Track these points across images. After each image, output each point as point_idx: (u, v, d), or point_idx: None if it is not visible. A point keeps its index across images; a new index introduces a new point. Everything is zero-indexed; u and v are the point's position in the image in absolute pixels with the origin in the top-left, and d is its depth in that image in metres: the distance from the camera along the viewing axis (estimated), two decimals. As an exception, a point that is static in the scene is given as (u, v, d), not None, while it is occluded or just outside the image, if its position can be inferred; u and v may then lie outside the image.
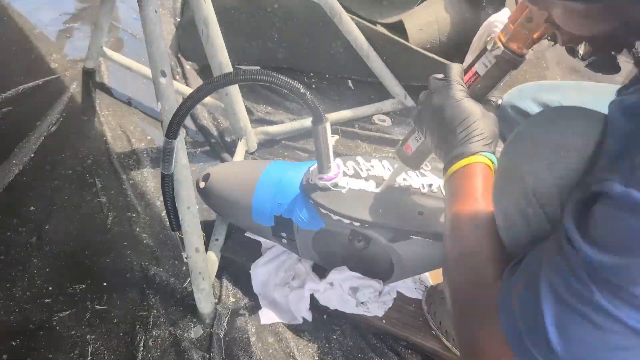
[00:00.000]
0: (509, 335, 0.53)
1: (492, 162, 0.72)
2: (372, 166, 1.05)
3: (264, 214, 1.08)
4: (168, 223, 1.09)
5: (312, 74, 1.71)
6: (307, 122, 1.52)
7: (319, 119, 0.92)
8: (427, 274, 1.13)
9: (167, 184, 1.05)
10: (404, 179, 1.02)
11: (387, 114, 1.59)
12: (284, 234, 1.08)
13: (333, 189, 1.00)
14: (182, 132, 1.03)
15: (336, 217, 0.99)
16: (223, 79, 0.91)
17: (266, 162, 1.15)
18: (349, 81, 1.70)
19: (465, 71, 0.81)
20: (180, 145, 1.04)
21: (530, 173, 0.57)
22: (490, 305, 0.56)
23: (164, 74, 1.03)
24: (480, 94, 0.79)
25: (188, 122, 1.58)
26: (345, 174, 1.03)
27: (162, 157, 1.01)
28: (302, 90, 0.88)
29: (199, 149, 1.49)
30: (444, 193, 0.76)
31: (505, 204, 0.61)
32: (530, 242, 0.59)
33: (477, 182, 0.70)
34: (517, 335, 0.52)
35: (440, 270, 1.13)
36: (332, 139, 1.45)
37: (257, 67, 1.76)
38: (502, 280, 0.57)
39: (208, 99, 1.49)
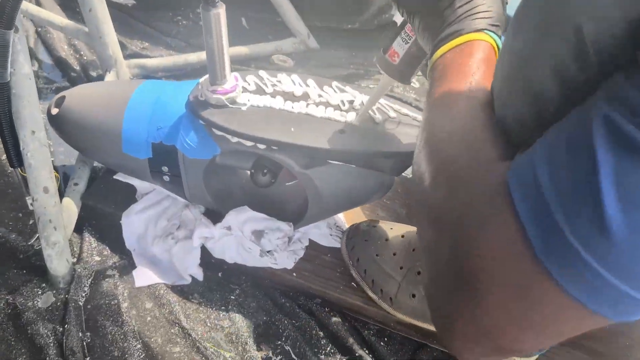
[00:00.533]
0: (529, 220, 0.34)
1: (498, 47, 0.54)
2: (279, 81, 0.84)
3: (138, 143, 0.83)
4: (6, 158, 0.81)
5: (198, 11, 1.46)
6: (192, 57, 1.27)
7: (210, 2, 0.70)
8: (343, 219, 0.94)
9: (1, 98, 0.77)
10: (319, 95, 0.82)
11: (288, 54, 1.39)
12: (165, 169, 0.84)
13: (230, 105, 0.78)
14: (21, 30, 0.76)
15: (235, 139, 0.77)
16: None
17: (140, 81, 0.90)
18: (243, 18, 1.47)
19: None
20: (19, 45, 0.77)
21: (587, 13, 0.37)
22: (495, 187, 0.38)
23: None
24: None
25: (42, 54, 1.27)
26: (245, 89, 0.81)
27: (-8, 58, 0.74)
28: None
29: (56, 85, 1.19)
30: (428, 80, 0.57)
31: (532, 68, 0.41)
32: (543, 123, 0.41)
33: (477, 61, 0.51)
34: (544, 217, 0.33)
35: (357, 212, 0.95)
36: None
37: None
38: (516, 157, 0.38)
39: (67, 22, 1.20)
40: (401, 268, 0.82)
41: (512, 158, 0.39)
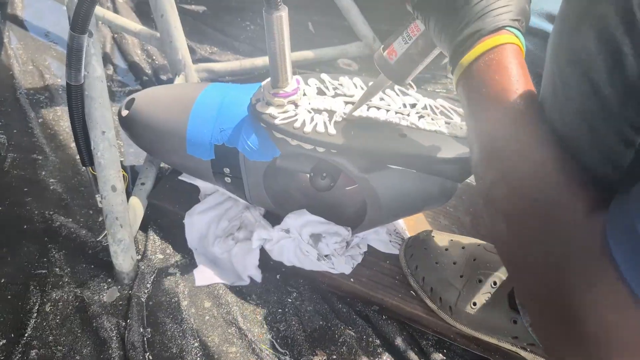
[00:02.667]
0: (632, 274, 0.33)
1: (523, 45, 0.51)
2: (341, 84, 0.83)
3: (201, 145, 0.85)
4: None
5: (266, 16, 1.48)
6: (258, 61, 1.29)
7: (273, 4, 0.70)
8: (404, 225, 0.92)
9: (75, 99, 0.81)
10: (381, 99, 0.81)
11: (353, 58, 1.38)
12: (227, 170, 0.85)
13: (291, 109, 0.78)
14: (95, 35, 0.79)
15: (295, 142, 0.77)
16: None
17: (206, 84, 0.91)
18: (309, 23, 1.48)
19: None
20: (93, 49, 0.80)
21: None
22: (590, 248, 0.36)
23: (70, -46, 0.79)
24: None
25: (117, 59, 1.32)
26: (306, 94, 0.81)
27: (68, 61, 0.77)
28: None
29: (129, 88, 1.24)
30: (459, 95, 0.55)
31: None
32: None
33: (514, 75, 0.48)
34: None
35: (419, 219, 0.93)
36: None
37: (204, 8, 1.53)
38: (612, 206, 0.36)
39: (140, 28, 1.24)
40: (461, 277, 0.79)
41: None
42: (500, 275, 0.77)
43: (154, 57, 1.32)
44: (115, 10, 1.44)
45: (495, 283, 0.77)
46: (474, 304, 0.77)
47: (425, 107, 0.79)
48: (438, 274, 0.80)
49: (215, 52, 1.37)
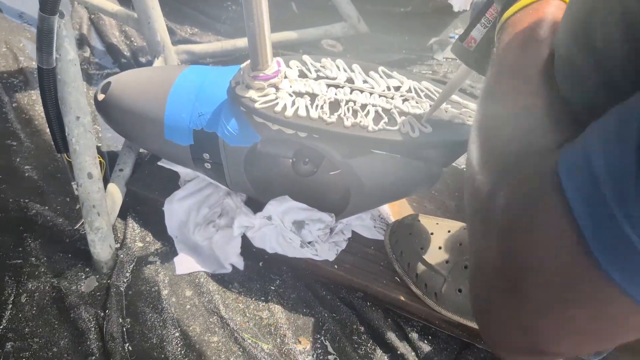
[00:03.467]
0: (583, 214, 0.30)
1: None
2: (323, 66, 0.81)
3: (180, 129, 0.82)
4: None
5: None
6: (240, 42, 1.26)
7: (252, -17, 0.67)
8: (388, 211, 0.91)
9: (47, 84, 0.78)
10: (364, 81, 0.79)
11: (337, 39, 1.35)
12: (206, 155, 0.83)
13: (272, 91, 0.76)
14: (67, 16, 0.76)
15: (276, 127, 0.75)
16: None
17: (184, 67, 0.88)
18: (293, 3, 1.45)
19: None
20: (65, 31, 0.77)
21: None
22: (546, 176, 0.34)
23: None
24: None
25: (94, 40, 1.28)
26: (287, 76, 0.79)
27: (38, 43, 0.74)
28: None
29: (106, 71, 1.20)
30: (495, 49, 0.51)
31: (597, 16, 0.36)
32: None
33: (546, 24, 0.45)
34: (599, 210, 0.29)
35: (404, 204, 0.91)
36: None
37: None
38: (570, 143, 0.34)
39: (118, 9, 1.20)
40: (447, 262, 0.78)
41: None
42: None
43: (133, 39, 1.28)
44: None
45: None
46: (460, 290, 0.76)
47: (409, 90, 0.77)
48: (423, 260, 0.79)
49: (196, 33, 1.33)
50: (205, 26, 1.36)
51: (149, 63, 1.20)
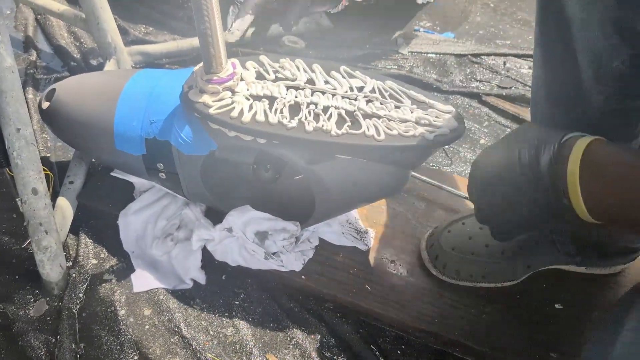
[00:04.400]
0: None
1: None
2: (282, 67, 0.76)
3: (131, 139, 0.77)
4: None
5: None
6: (197, 41, 1.20)
7: (200, -19, 0.62)
8: (357, 215, 0.87)
9: (-18, 94, 0.72)
10: (326, 82, 0.74)
11: (299, 35, 1.31)
12: (160, 166, 0.78)
13: (227, 96, 0.71)
14: (2, 21, 0.70)
15: (232, 134, 0.71)
16: None
17: (134, 71, 0.83)
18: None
19: None
20: (1, 35, 0.71)
21: None
22: None
23: None
24: None
25: (41, 43, 1.21)
26: (243, 78, 0.74)
27: (-32, 51, 0.68)
28: None
29: (55, 75, 1.14)
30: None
31: None
32: None
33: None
34: None
35: (372, 207, 0.88)
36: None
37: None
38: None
39: (65, 8, 1.14)
40: (502, 253, 0.80)
41: None
42: None
43: (83, 40, 1.22)
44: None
45: None
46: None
47: (373, 90, 0.73)
48: (479, 265, 0.80)
49: (151, 32, 1.28)
50: (160, 24, 1.30)
51: (101, 66, 1.14)
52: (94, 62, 1.17)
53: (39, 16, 1.25)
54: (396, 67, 1.28)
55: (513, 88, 1.25)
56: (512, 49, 1.38)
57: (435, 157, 1.08)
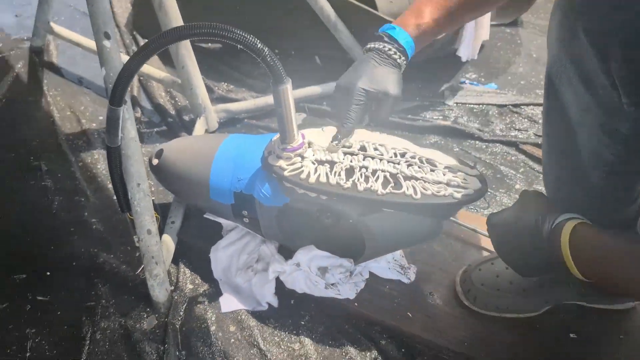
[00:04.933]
0: None
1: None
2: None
3: (222, 191, 0.99)
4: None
5: (276, 51, 1.61)
6: (271, 99, 1.42)
7: (279, 79, 0.83)
8: (401, 253, 1.05)
9: (114, 159, 0.94)
10: (375, 148, 0.93)
11: (356, 90, 1.50)
12: (245, 212, 0.99)
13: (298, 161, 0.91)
14: (128, 101, 0.93)
15: (301, 191, 0.90)
16: (170, 34, 0.81)
17: (224, 136, 1.05)
18: (317, 57, 1.61)
19: None
20: (127, 114, 0.94)
21: None
22: None
23: (107, 36, 0.93)
24: None
25: (144, 101, 1.47)
26: (310, 145, 0.94)
27: (107, 128, 0.91)
28: (259, 45, 0.79)
29: (155, 129, 1.39)
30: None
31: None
32: None
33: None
34: None
35: (416, 249, 1.05)
36: (299, 116, 1.36)
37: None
38: None
39: (164, 75, 1.39)
40: (524, 290, 0.95)
41: None
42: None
43: (177, 99, 1.46)
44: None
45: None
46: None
47: (413, 156, 0.91)
48: (504, 299, 0.95)
49: (232, 90, 1.51)
50: (239, 82, 1.53)
51: (192, 121, 1.37)
52: (186, 118, 1.41)
53: (141, 77, 1.51)
54: (442, 117, 1.45)
55: (549, 137, 1.39)
56: (551, 99, 1.52)
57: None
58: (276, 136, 0.93)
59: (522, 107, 1.50)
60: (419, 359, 0.94)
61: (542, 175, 1.30)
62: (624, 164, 0.79)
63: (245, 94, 1.49)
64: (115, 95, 0.87)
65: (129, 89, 1.46)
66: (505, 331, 0.95)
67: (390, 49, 0.87)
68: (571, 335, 0.95)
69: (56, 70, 1.56)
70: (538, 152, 1.35)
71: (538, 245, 0.77)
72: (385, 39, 0.88)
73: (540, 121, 1.44)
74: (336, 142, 0.90)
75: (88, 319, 0.98)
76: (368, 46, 0.90)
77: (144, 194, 0.97)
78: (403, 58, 0.88)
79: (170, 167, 1.04)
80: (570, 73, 0.75)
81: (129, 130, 0.95)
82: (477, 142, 1.39)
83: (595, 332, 0.95)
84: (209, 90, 1.45)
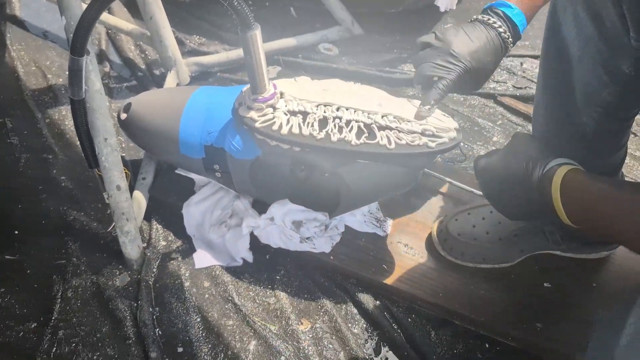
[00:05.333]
0: None
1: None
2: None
3: (192, 145, 0.96)
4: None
5: (250, 1, 1.56)
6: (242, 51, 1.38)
7: (247, 25, 0.79)
8: (377, 205, 1.03)
9: (79, 112, 0.91)
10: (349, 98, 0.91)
11: (333, 42, 1.47)
12: (217, 167, 0.96)
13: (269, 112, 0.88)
14: (92, 52, 0.89)
15: (273, 143, 0.88)
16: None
17: (194, 88, 1.01)
18: (291, 8, 1.56)
19: None
20: (91, 65, 0.90)
21: None
22: None
23: (65, -19, 0.88)
24: None
25: (112, 55, 1.42)
26: (282, 96, 0.91)
27: (69, 80, 0.87)
28: (224, -12, 0.75)
29: (125, 84, 1.34)
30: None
31: None
32: None
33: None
34: None
35: (392, 201, 1.04)
36: (273, 69, 1.33)
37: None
38: None
39: (132, 27, 1.33)
40: (500, 239, 0.95)
41: None
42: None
43: (147, 52, 1.41)
44: (108, 8, 1.52)
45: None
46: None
47: (387, 106, 0.89)
48: (481, 249, 0.95)
49: (204, 43, 1.46)
50: (211, 35, 1.48)
51: (163, 75, 1.32)
52: (157, 72, 1.36)
53: (109, 30, 1.45)
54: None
55: (527, 88, 1.38)
56: (530, 50, 1.49)
57: (451, 153, 1.22)
58: (247, 87, 0.90)
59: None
60: (394, 309, 0.94)
61: (519, 127, 1.30)
62: (618, 107, 0.78)
63: (218, 46, 1.45)
64: (77, 44, 0.83)
65: (97, 42, 1.42)
66: (480, 282, 0.95)
67: (505, 32, 0.82)
68: (545, 284, 0.95)
69: (19, 23, 1.49)
70: (516, 104, 1.33)
71: (528, 190, 0.75)
72: (501, 15, 0.83)
73: (519, 73, 1.42)
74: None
75: (59, 277, 0.97)
76: (481, 17, 0.84)
77: (112, 148, 0.94)
78: (511, 40, 0.84)
79: (139, 121, 1.01)
80: (578, 6, 0.73)
81: (93, 82, 0.91)
82: (454, 94, 1.37)
83: (569, 281, 0.96)
84: (180, 43, 1.40)
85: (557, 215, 0.71)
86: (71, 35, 0.83)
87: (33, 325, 0.90)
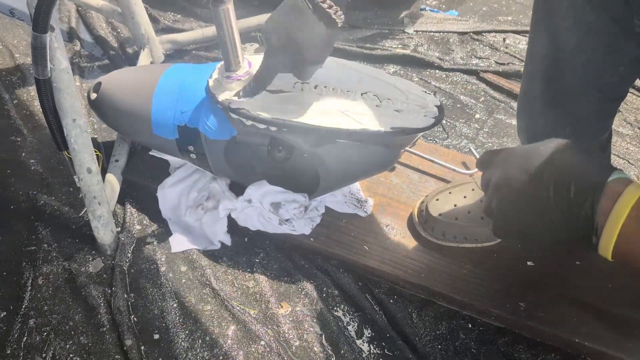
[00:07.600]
0: None
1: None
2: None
3: (165, 125, 0.92)
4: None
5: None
6: (221, 28, 1.34)
7: (218, -1, 0.76)
8: (358, 186, 1.01)
9: (45, 92, 0.86)
10: (327, 76, 0.88)
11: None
12: (191, 148, 0.93)
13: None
14: (57, 28, 0.84)
15: (249, 122, 0.85)
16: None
17: (167, 66, 0.97)
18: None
19: None
20: (56, 43, 0.86)
21: None
22: None
23: (25, -46, 0.83)
24: None
25: (83, 33, 1.36)
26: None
27: (33, 58, 0.82)
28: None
29: (97, 63, 1.29)
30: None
31: None
32: None
33: None
34: None
35: (372, 180, 1.02)
36: (251, 46, 1.28)
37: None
38: None
39: (102, 3, 1.28)
40: (482, 218, 0.92)
41: None
42: None
43: (119, 30, 1.36)
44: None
45: None
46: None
47: (369, 83, 0.86)
48: (462, 228, 0.92)
49: (179, 20, 1.41)
50: (186, 12, 1.43)
51: (136, 54, 1.28)
52: (130, 51, 1.31)
53: (79, 8, 1.40)
54: (401, 46, 1.39)
55: (510, 64, 1.35)
56: (513, 25, 1.47)
57: (433, 132, 1.21)
58: (220, 63, 0.87)
59: (484, 34, 1.45)
60: (376, 291, 0.92)
61: (502, 104, 1.28)
62: (617, 89, 0.77)
63: (193, 23, 1.40)
64: (39, 20, 0.79)
65: (67, 20, 1.37)
66: (463, 261, 0.93)
67: None
68: (528, 263, 0.94)
69: (-16, 1, 1.43)
70: (499, 80, 1.32)
71: (567, 218, 0.58)
72: None
73: (502, 49, 1.40)
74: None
75: (29, 264, 0.93)
76: None
77: (81, 130, 0.90)
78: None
79: (109, 101, 0.97)
80: None
81: (59, 60, 0.87)
82: (437, 71, 1.34)
83: (552, 259, 0.95)
84: (154, 20, 1.35)
85: (589, 244, 0.58)
86: (33, 8, 0.79)
87: (2, 315, 0.87)
